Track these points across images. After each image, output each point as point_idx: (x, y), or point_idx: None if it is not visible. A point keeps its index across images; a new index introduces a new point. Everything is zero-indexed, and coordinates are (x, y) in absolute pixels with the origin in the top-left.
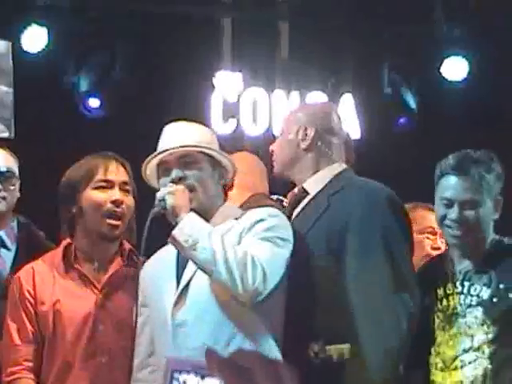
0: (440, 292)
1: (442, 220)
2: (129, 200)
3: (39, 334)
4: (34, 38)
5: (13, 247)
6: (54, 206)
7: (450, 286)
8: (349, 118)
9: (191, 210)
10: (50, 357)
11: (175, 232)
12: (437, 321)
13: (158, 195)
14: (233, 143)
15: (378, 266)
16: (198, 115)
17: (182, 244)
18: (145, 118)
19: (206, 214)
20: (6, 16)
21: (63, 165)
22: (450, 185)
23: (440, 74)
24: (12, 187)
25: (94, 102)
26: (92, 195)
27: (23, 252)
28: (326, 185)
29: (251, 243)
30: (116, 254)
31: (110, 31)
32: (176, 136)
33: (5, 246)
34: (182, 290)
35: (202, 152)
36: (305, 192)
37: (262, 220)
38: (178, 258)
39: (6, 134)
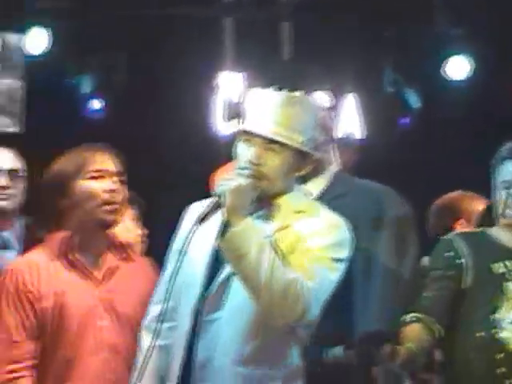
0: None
1: (505, 202)
2: (123, 190)
3: (39, 330)
4: (36, 40)
5: (17, 249)
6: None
7: None
8: (352, 118)
9: (254, 198)
10: (50, 352)
11: (224, 240)
12: None
13: (218, 189)
14: None
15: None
16: (201, 116)
17: (228, 254)
18: (147, 120)
19: (268, 202)
20: (6, 20)
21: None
22: (509, 170)
23: (442, 73)
24: (20, 186)
25: (96, 104)
26: (86, 185)
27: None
28: (326, 186)
29: (303, 263)
30: (108, 248)
31: (112, 33)
32: (274, 114)
33: (9, 247)
34: (223, 281)
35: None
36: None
37: (321, 233)
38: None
39: (14, 129)
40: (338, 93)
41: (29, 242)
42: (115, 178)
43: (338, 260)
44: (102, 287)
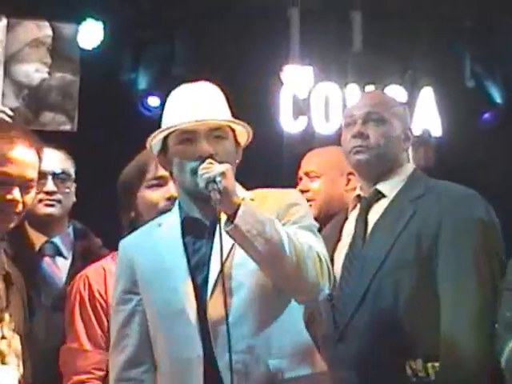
0: None
1: None
2: None
3: (108, 340)
4: (90, 34)
5: (69, 255)
6: (111, 210)
7: None
8: (429, 113)
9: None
10: None
11: (238, 221)
12: None
13: (206, 175)
14: (303, 142)
15: (471, 278)
16: (265, 113)
17: (245, 234)
18: None
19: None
20: (59, 9)
21: (122, 167)
22: None
23: None
24: (67, 190)
25: (153, 101)
26: (146, 196)
27: (79, 260)
28: (402, 188)
29: (297, 233)
30: None
31: (168, 23)
32: (202, 103)
33: (60, 254)
34: (216, 281)
35: (229, 126)
36: (379, 194)
37: (295, 204)
38: (183, 241)
39: (68, 127)
40: (412, 87)
41: (80, 249)
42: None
43: (316, 227)
44: None
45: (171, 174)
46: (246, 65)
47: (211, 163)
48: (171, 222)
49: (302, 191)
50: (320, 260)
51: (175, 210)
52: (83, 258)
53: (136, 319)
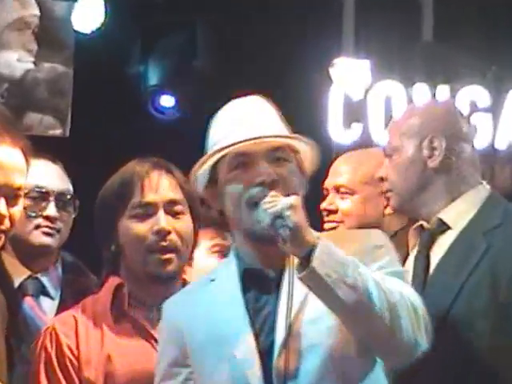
0: None
1: None
2: (182, 225)
3: None
4: (87, 14)
5: (56, 295)
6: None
7: None
8: None
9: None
10: None
11: (315, 264)
12: None
13: (272, 210)
14: None
15: None
16: (310, 118)
17: (323, 279)
18: None
19: None
20: None
21: None
22: None
23: None
24: (69, 215)
25: (167, 100)
26: (129, 227)
27: (69, 302)
28: (474, 217)
29: (385, 279)
30: None
31: (189, 4)
32: (256, 119)
33: (46, 294)
34: (284, 342)
35: (289, 145)
36: (443, 225)
37: (381, 246)
38: (244, 298)
39: (58, 132)
40: (497, 88)
41: (70, 287)
42: (168, 210)
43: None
44: None
45: (221, 212)
46: (287, 57)
47: (276, 195)
48: (227, 275)
49: (328, 211)
50: (415, 310)
51: (231, 259)
52: (74, 299)
53: None
